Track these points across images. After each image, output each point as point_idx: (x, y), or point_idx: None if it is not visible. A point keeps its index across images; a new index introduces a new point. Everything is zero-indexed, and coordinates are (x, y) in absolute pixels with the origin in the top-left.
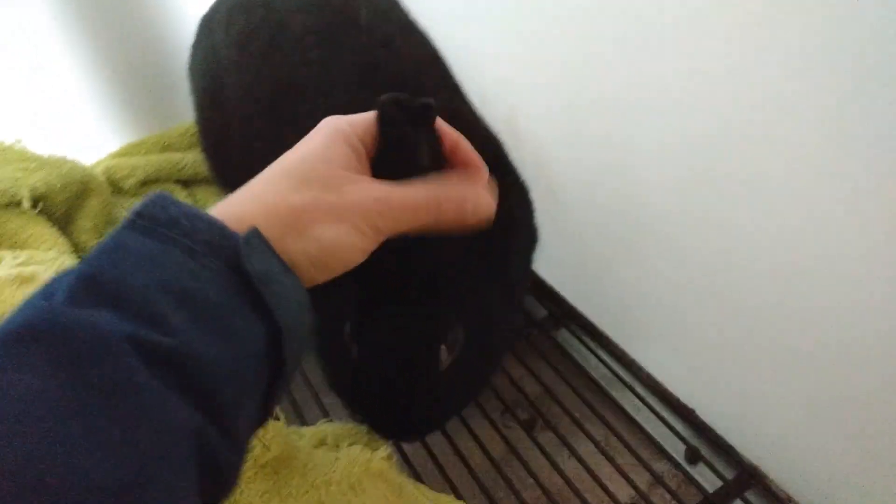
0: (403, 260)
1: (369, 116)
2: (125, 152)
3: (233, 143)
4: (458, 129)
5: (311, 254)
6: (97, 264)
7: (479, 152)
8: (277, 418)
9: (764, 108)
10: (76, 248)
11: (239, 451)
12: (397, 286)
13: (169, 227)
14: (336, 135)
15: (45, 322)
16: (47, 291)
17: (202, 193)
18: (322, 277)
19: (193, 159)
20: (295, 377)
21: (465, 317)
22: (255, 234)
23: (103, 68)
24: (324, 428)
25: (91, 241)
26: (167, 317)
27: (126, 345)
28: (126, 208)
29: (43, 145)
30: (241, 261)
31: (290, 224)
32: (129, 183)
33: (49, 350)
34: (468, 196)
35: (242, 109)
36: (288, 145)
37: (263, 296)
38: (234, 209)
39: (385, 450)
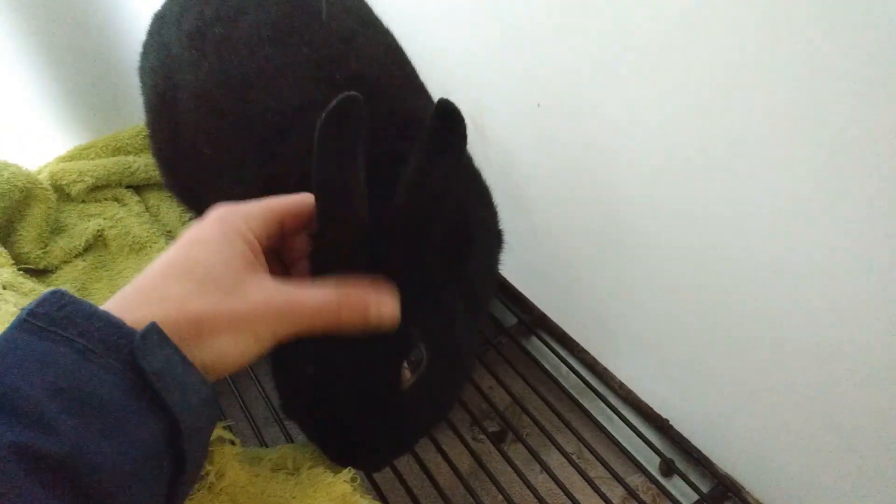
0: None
1: (263, 208)
2: (73, 156)
3: (183, 147)
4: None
5: (207, 362)
6: None
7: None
8: (233, 443)
9: (746, 99)
10: (18, 259)
11: None
12: None
13: (64, 327)
14: (232, 232)
15: None
16: None
17: (154, 198)
18: (212, 381)
19: (145, 163)
20: (204, 457)
21: (427, 332)
22: (153, 330)
23: (49, 66)
24: (283, 451)
25: (35, 252)
26: (57, 423)
27: (8, 453)
28: (74, 215)
29: None
30: (137, 358)
31: (190, 333)
32: (77, 188)
33: None
34: (370, 300)
35: (193, 110)
36: (236, 150)
37: (160, 393)
38: (131, 313)
39: (348, 472)
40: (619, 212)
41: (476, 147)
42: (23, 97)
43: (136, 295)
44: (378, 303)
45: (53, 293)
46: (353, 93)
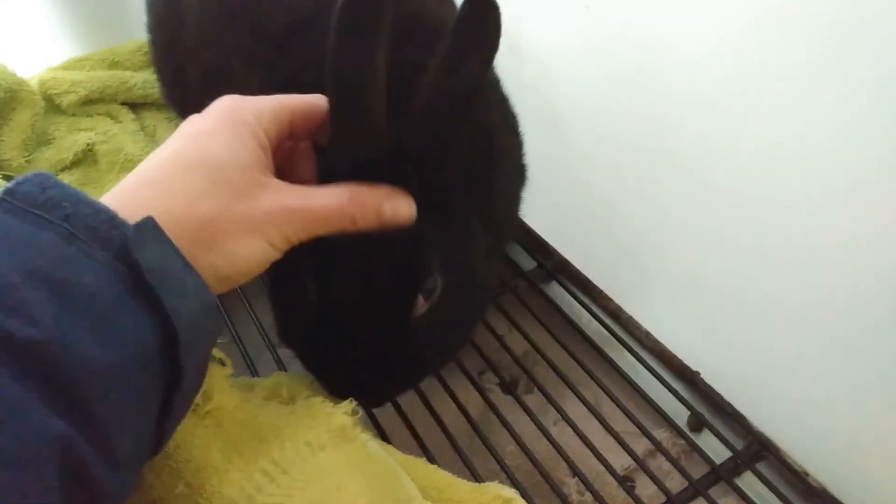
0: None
1: (275, 105)
2: (67, 66)
3: (188, 52)
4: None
5: (219, 268)
6: None
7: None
8: (223, 363)
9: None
10: (0, 166)
11: (123, 478)
12: None
13: (47, 210)
14: (244, 128)
15: None
16: None
17: (151, 118)
18: (221, 290)
19: (144, 79)
20: (200, 382)
21: (444, 259)
22: (149, 224)
23: None
24: (279, 378)
25: (18, 160)
26: (35, 309)
27: None
28: (64, 127)
29: None
30: (131, 250)
31: (200, 238)
32: (69, 100)
33: None
34: (384, 201)
35: (200, 12)
36: (247, 53)
37: (156, 291)
38: (131, 207)
39: (348, 404)
40: (663, 147)
41: (507, 69)
42: (18, 3)
43: (140, 188)
44: (393, 203)
45: (37, 174)
46: None
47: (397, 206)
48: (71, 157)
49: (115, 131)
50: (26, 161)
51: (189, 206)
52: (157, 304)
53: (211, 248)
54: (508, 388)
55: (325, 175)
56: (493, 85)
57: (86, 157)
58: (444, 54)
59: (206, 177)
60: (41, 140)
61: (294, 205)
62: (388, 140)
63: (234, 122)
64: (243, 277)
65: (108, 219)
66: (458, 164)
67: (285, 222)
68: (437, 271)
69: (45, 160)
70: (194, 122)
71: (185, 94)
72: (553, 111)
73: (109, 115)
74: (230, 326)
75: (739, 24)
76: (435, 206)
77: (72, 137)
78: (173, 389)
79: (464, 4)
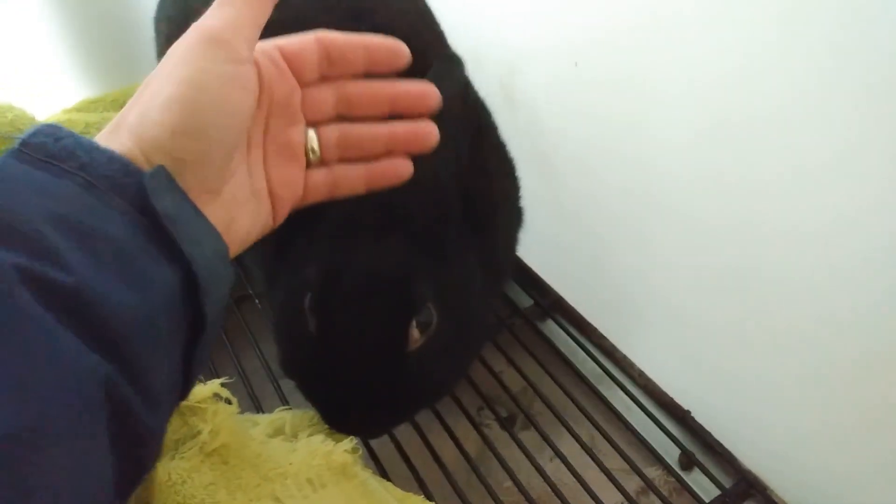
0: (376, 224)
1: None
2: (81, 108)
3: None
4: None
5: (220, 220)
6: None
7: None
8: (229, 402)
9: (789, 75)
10: None
11: (158, 417)
12: (367, 253)
13: (62, 160)
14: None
15: None
16: None
17: None
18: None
19: None
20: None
21: (440, 294)
22: (161, 172)
23: (63, 14)
24: (281, 415)
25: None
26: (62, 253)
27: (15, 274)
28: None
29: None
30: (147, 198)
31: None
32: None
33: None
34: None
35: None
36: None
37: (175, 237)
38: (132, 151)
39: (349, 442)
40: (650, 191)
41: (504, 115)
42: (36, 46)
43: (134, 125)
44: None
45: (49, 125)
46: None
47: None
48: None
49: None
50: None
51: None
52: (176, 251)
53: (213, 200)
54: (506, 424)
55: None
56: (490, 133)
57: None
58: None
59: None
60: None
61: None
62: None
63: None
64: (244, 238)
65: (122, 167)
66: (455, 205)
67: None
68: (431, 305)
69: None
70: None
71: None
72: (547, 157)
73: None
74: (236, 362)
75: (721, 75)
76: (431, 243)
77: None
78: (197, 333)
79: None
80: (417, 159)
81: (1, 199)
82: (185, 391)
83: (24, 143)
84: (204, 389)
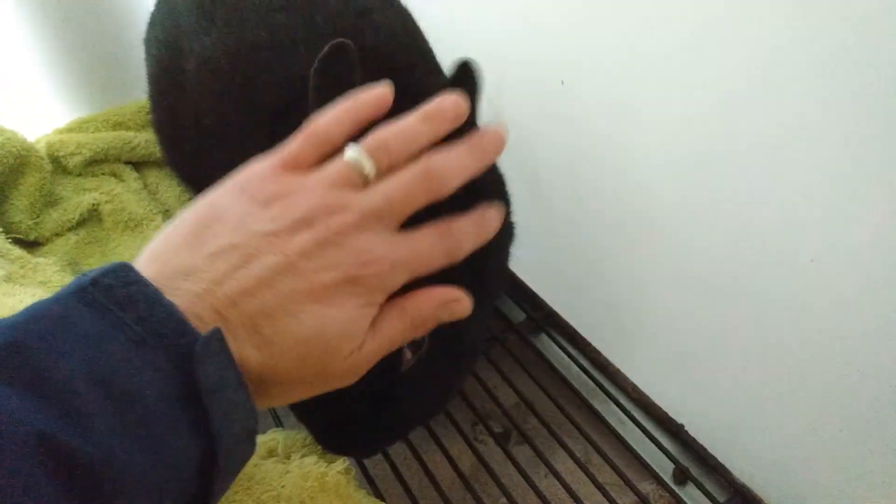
0: None
1: None
2: (71, 128)
3: (186, 119)
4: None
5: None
6: (26, 330)
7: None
8: None
9: (776, 95)
10: (8, 229)
11: None
12: None
13: (123, 308)
14: None
15: None
16: None
17: (154, 176)
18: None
19: (146, 139)
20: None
21: None
22: (216, 337)
23: (53, 36)
24: (274, 436)
25: (27, 222)
26: (91, 418)
27: (31, 443)
28: (70, 188)
29: None
30: (194, 366)
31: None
32: (75, 161)
33: None
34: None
35: (198, 81)
36: (242, 123)
37: (209, 413)
38: (193, 289)
39: (342, 462)
40: (640, 205)
41: None
42: (26, 67)
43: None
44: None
45: (122, 265)
46: (343, 40)
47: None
48: (77, 218)
49: (119, 191)
50: (34, 223)
51: None
52: (207, 425)
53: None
54: (500, 440)
55: None
56: None
57: (91, 218)
58: None
59: None
60: (48, 201)
61: None
62: None
63: None
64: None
65: (179, 326)
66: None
67: None
68: None
69: (52, 221)
70: None
71: (182, 158)
72: (536, 172)
73: (114, 175)
74: None
75: (708, 95)
76: None
77: (77, 199)
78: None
79: (451, 75)
80: None
81: (49, 344)
82: None
83: (95, 283)
84: None
